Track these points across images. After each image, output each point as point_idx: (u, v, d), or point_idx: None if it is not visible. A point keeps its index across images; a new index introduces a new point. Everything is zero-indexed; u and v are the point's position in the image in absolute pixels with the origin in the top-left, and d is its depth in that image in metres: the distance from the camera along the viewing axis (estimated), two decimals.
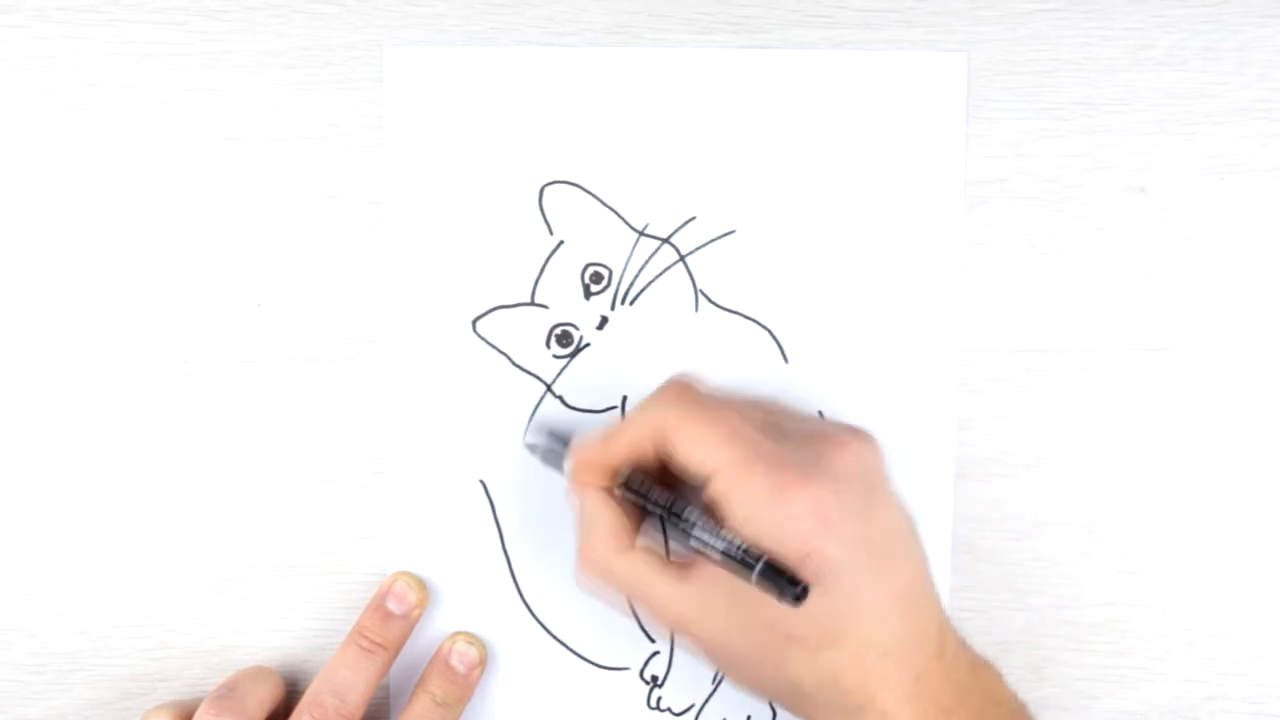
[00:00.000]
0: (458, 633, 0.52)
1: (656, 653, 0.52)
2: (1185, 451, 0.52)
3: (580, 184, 0.51)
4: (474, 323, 0.51)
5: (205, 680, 0.51)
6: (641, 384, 0.51)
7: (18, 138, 0.50)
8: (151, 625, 0.52)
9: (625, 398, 0.52)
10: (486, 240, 0.51)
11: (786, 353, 0.52)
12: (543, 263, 0.51)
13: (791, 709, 0.45)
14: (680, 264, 0.51)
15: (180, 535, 0.51)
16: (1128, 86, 0.52)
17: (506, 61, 0.51)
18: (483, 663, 0.51)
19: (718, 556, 0.42)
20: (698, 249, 0.51)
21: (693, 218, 0.51)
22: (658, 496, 0.45)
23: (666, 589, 0.44)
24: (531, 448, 0.50)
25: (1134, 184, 0.52)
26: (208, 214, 0.51)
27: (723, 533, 0.42)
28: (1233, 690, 0.53)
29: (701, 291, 0.51)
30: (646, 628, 0.51)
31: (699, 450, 0.43)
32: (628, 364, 0.51)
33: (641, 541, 0.45)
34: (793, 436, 0.45)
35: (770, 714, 0.52)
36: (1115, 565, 0.53)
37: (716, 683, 0.52)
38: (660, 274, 0.51)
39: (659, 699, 0.52)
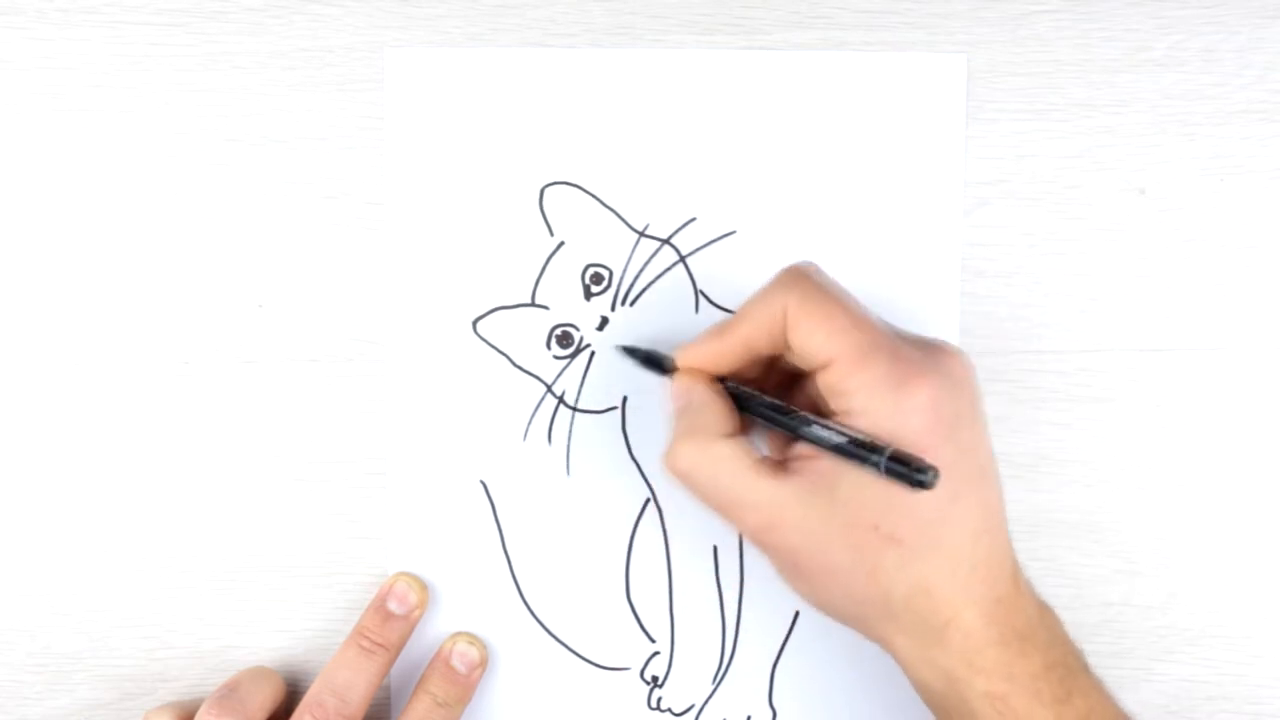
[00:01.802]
0: (458, 633, 0.52)
1: (657, 653, 0.52)
2: (1185, 451, 0.52)
3: (581, 185, 0.51)
4: (474, 323, 0.51)
5: (206, 680, 0.51)
6: (642, 385, 0.51)
7: (19, 139, 0.50)
8: (152, 626, 0.52)
9: (625, 398, 0.52)
10: (487, 241, 0.51)
11: None
12: (543, 264, 0.51)
13: (873, 627, 0.44)
14: (680, 265, 0.51)
15: (181, 535, 0.51)
16: (1127, 87, 0.52)
17: (507, 63, 0.51)
18: (483, 663, 0.51)
19: (834, 447, 0.41)
20: (698, 250, 0.51)
21: (693, 218, 0.51)
22: (764, 396, 0.44)
23: (764, 485, 0.43)
24: (631, 351, 0.50)
25: (1133, 185, 0.52)
26: (209, 215, 0.51)
27: (840, 424, 0.42)
28: (1233, 690, 0.53)
29: (702, 292, 0.52)
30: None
31: (819, 335, 0.43)
32: (628, 365, 0.51)
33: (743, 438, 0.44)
34: (906, 336, 0.44)
35: (770, 714, 0.52)
36: (1115, 565, 0.53)
37: (716, 683, 0.52)
38: (661, 275, 0.51)
39: (659, 699, 0.52)
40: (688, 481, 0.44)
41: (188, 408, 0.51)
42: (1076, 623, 0.52)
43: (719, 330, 0.45)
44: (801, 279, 0.44)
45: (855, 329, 0.42)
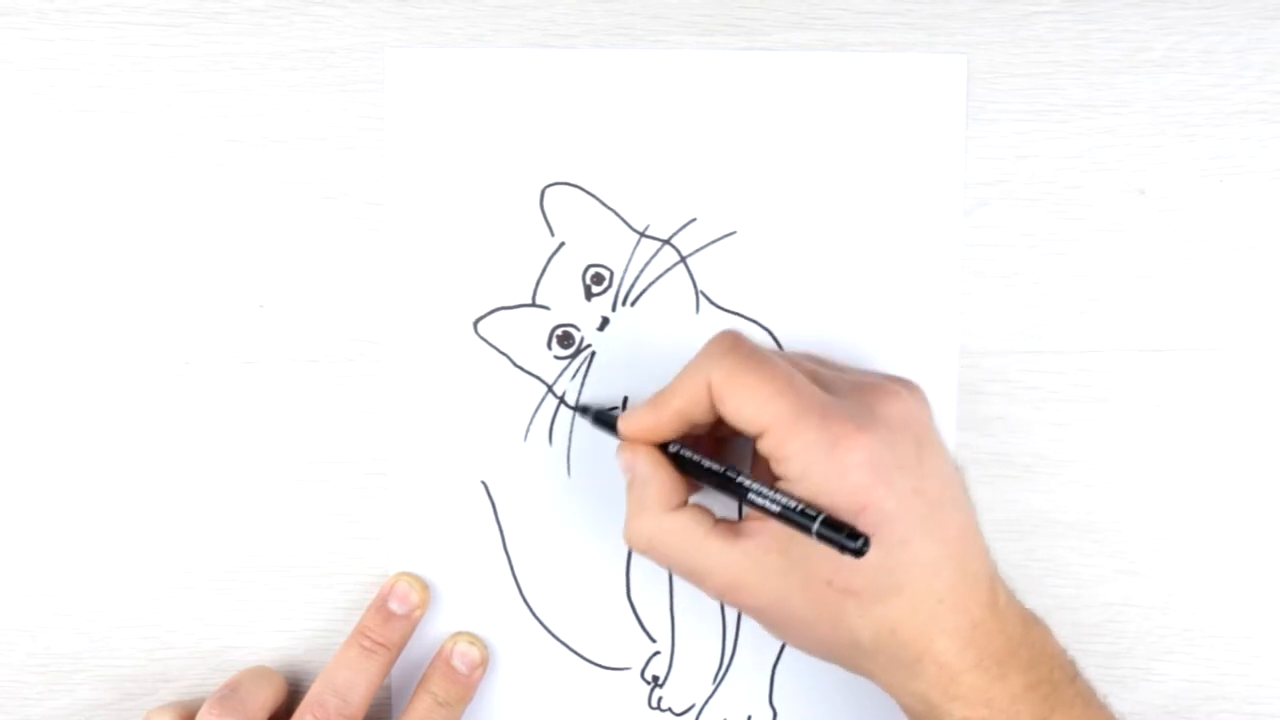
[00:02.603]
0: (459, 633, 0.52)
1: (657, 653, 0.52)
2: (1185, 451, 0.53)
3: (581, 185, 0.51)
4: (475, 324, 0.51)
5: (207, 681, 0.51)
6: (642, 385, 0.51)
7: (19, 139, 0.50)
8: (153, 626, 0.52)
9: (626, 399, 0.52)
10: (488, 242, 0.51)
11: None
12: (544, 264, 0.51)
13: (851, 666, 0.45)
14: (681, 265, 0.52)
15: (182, 536, 0.51)
16: (1127, 88, 0.52)
17: (507, 63, 0.51)
18: (484, 663, 0.51)
19: (775, 514, 0.42)
20: (698, 250, 0.51)
21: (693, 219, 0.51)
22: (710, 461, 0.45)
23: (718, 551, 0.44)
24: (583, 410, 0.50)
25: (1133, 185, 0.52)
26: (209, 215, 0.51)
27: (778, 491, 0.42)
28: (1232, 690, 0.53)
29: (702, 293, 0.52)
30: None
31: (750, 405, 0.43)
32: (629, 365, 0.51)
33: (693, 502, 0.45)
34: (841, 388, 0.44)
35: (770, 714, 0.52)
36: (1115, 565, 0.53)
37: (717, 683, 0.52)
38: (661, 275, 0.51)
39: (659, 699, 0.52)
40: (649, 555, 0.46)
41: (188, 408, 0.51)
42: (1076, 623, 0.53)
43: (655, 402, 0.46)
44: (726, 351, 0.44)
45: (781, 396, 0.43)
